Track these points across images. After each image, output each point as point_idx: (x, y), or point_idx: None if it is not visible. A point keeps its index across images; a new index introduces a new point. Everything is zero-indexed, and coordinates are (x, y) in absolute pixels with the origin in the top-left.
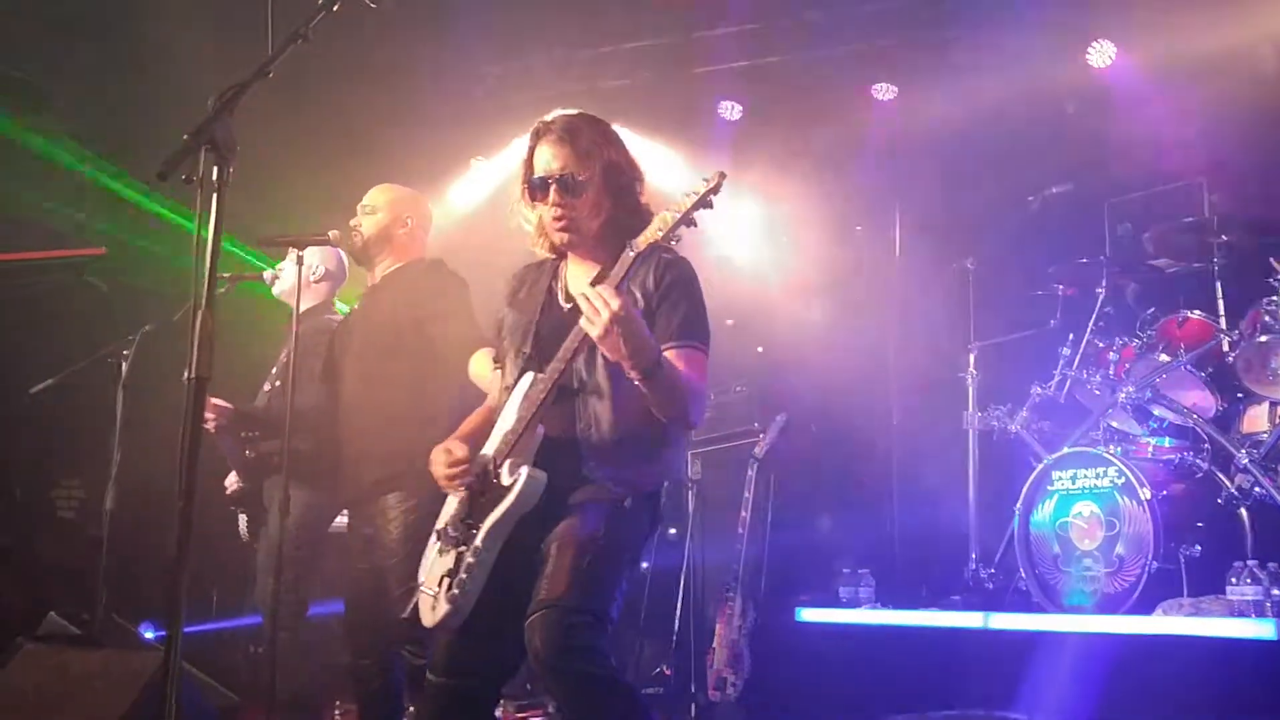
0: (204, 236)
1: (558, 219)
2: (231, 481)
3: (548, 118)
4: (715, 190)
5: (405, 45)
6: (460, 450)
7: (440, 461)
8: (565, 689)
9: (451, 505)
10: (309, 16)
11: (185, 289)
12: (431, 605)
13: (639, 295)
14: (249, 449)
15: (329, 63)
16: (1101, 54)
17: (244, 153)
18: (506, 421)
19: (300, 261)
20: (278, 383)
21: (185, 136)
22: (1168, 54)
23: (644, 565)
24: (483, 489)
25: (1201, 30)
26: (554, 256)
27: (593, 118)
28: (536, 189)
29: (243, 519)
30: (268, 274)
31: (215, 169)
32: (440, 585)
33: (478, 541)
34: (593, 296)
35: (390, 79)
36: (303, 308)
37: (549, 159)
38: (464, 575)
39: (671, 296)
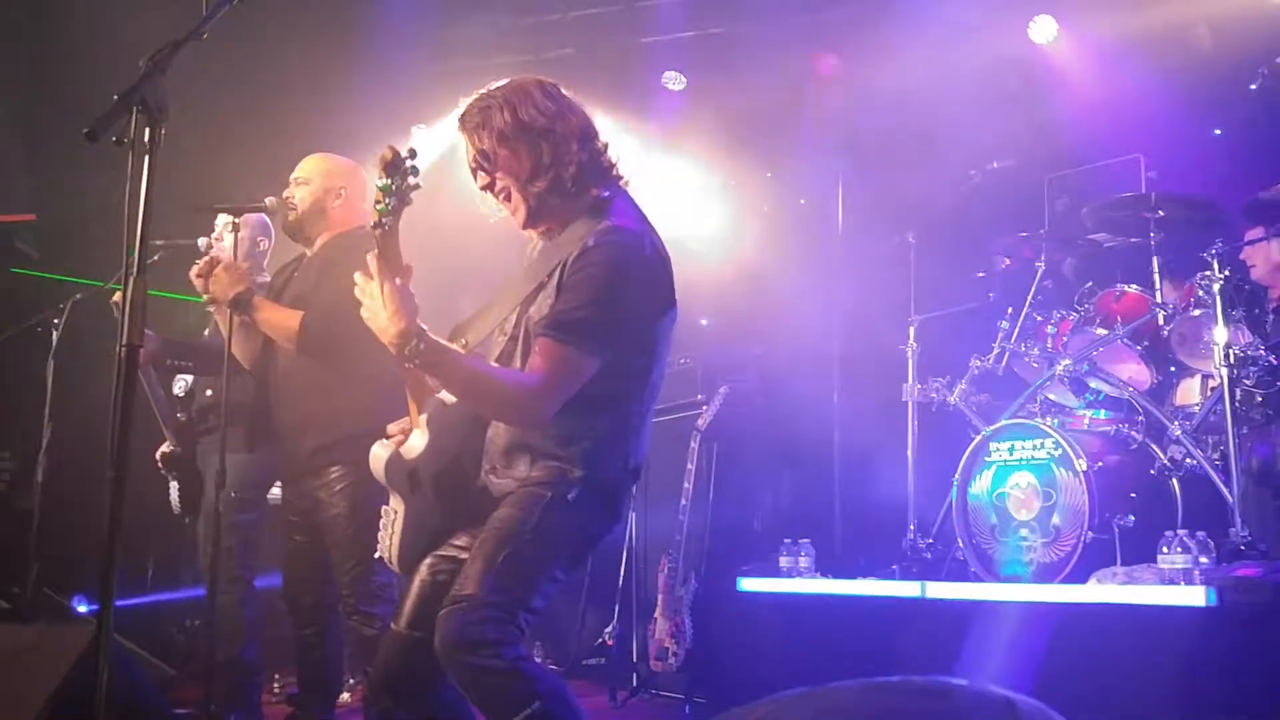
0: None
1: (504, 203)
2: (166, 447)
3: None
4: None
5: (344, 8)
6: None
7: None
8: (463, 682)
9: None
10: None
11: (118, 256)
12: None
13: (547, 288)
14: (180, 411)
15: (264, 26)
16: (1043, 29)
17: (178, 117)
18: None
19: (236, 230)
20: (206, 334)
21: (116, 96)
22: (1108, 31)
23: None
24: None
25: (1140, 8)
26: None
27: (496, 90)
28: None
29: (174, 487)
30: (202, 241)
31: (147, 131)
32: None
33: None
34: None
35: (328, 43)
36: None
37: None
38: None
39: (570, 281)
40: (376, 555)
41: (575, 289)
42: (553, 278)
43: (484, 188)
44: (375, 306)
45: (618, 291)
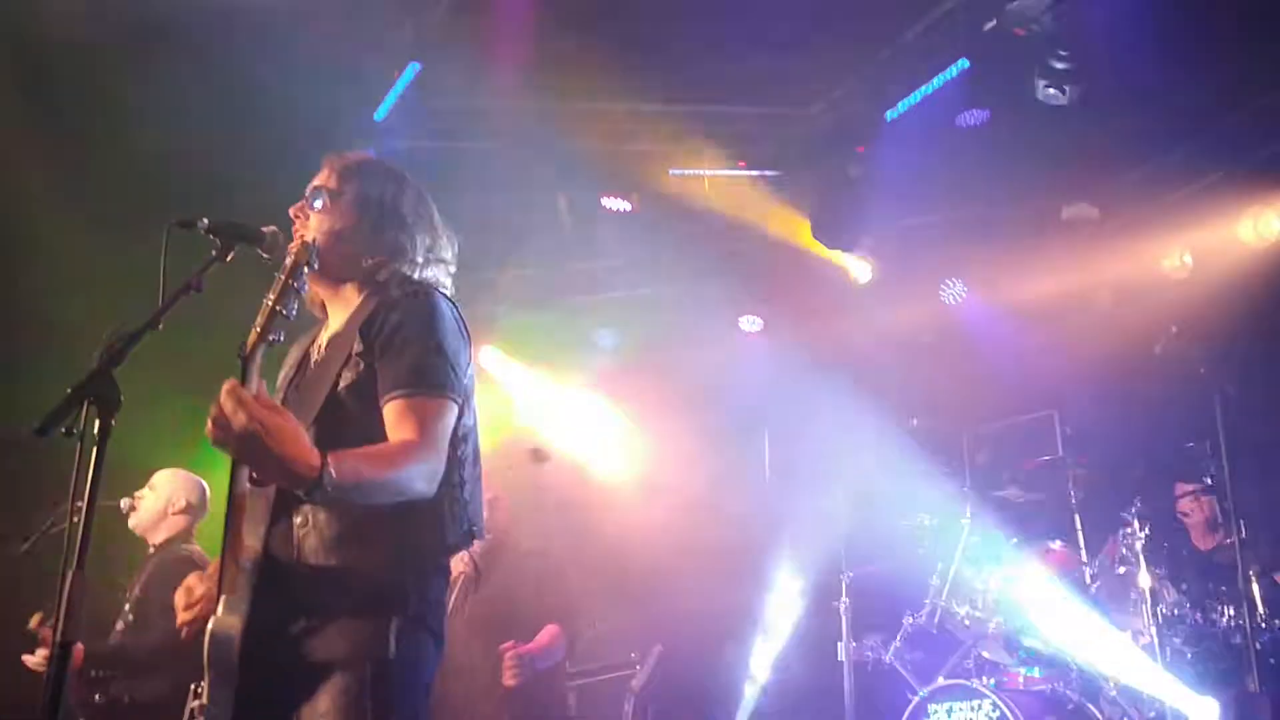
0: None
1: (296, 230)
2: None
3: None
4: (300, 262)
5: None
6: (200, 588)
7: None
8: None
9: None
10: (201, 267)
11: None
12: None
13: (357, 353)
14: (98, 693)
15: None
16: (952, 292)
17: None
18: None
19: (154, 488)
20: (130, 619)
21: (69, 390)
22: (1014, 294)
23: None
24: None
25: (1043, 274)
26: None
27: (389, 161)
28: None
29: None
30: (124, 502)
31: (98, 422)
32: None
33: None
34: (223, 399)
35: (226, 122)
36: (159, 539)
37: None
38: None
39: (397, 339)
40: None
41: (408, 342)
42: (356, 339)
43: (295, 211)
44: (278, 437)
45: (443, 335)
